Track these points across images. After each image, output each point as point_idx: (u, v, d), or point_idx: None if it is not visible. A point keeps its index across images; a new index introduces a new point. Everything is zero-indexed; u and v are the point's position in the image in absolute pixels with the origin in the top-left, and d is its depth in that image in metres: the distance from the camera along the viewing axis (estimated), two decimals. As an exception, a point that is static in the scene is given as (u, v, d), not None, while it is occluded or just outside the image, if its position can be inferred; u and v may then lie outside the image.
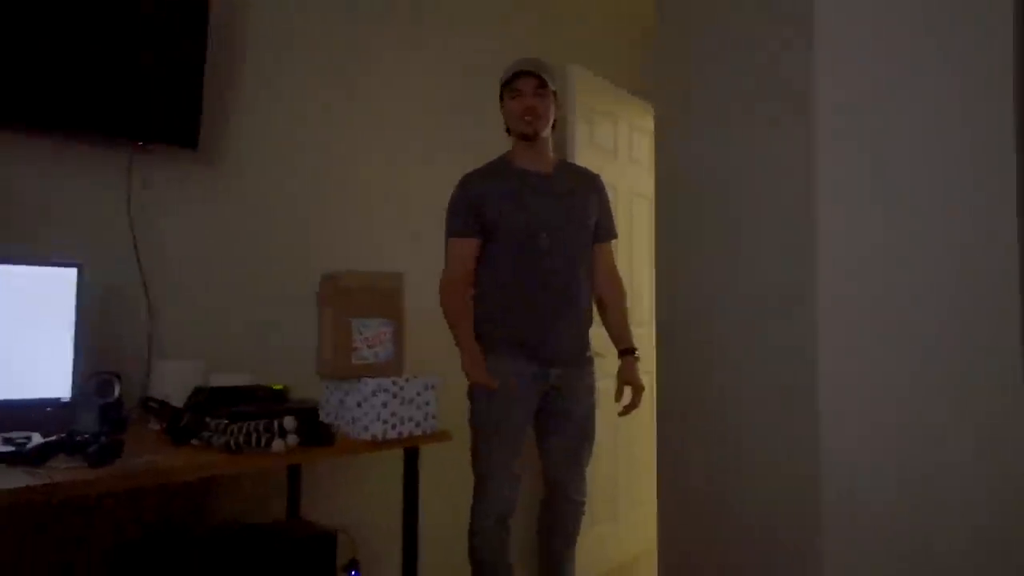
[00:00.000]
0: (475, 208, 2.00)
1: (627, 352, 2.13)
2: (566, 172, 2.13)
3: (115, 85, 1.82)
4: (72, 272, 1.67)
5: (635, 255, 3.36)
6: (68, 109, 1.76)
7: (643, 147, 3.48)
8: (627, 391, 2.15)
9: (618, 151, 3.33)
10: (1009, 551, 1.08)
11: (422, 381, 1.80)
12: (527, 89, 1.99)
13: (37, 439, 1.42)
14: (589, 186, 2.14)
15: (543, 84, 1.99)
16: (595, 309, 2.18)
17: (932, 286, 1.21)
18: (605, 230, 2.17)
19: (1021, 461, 1.07)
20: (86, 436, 1.42)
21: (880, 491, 1.28)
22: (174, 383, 1.80)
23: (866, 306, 1.36)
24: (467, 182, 2.05)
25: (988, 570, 1.12)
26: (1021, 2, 1.10)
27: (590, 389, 2.11)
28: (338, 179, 2.42)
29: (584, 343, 2.09)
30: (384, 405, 1.72)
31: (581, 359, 2.08)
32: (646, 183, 3.43)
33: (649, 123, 3.39)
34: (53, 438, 1.39)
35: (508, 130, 2.09)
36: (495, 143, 2.25)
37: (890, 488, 1.26)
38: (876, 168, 1.34)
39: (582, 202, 2.09)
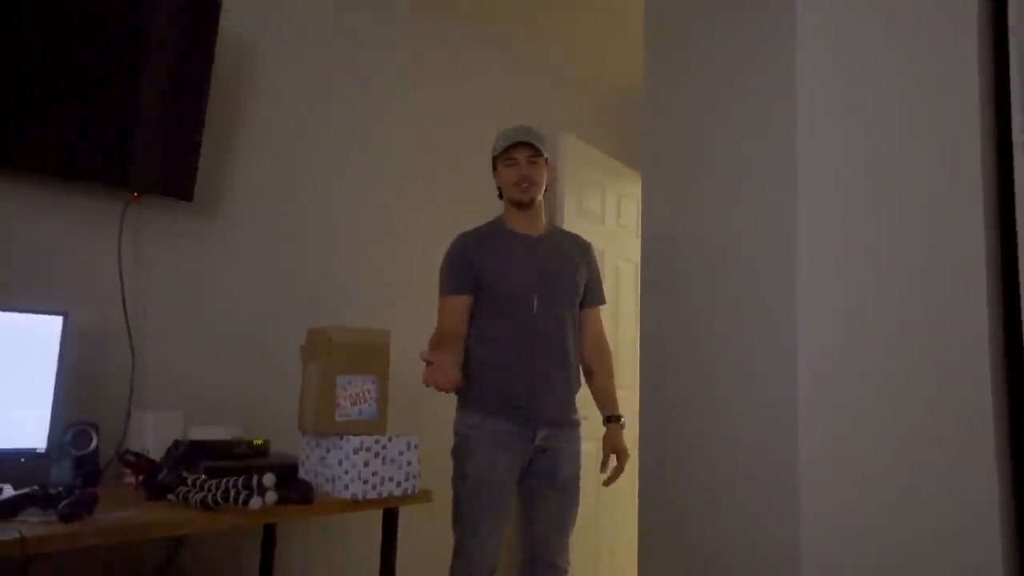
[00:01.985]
0: (468, 266, 2.02)
1: (613, 419, 2.14)
2: (558, 237, 2.18)
3: (114, 134, 1.85)
4: (57, 320, 1.67)
5: (621, 318, 3.38)
6: (64, 156, 1.78)
7: (631, 213, 3.55)
8: (612, 458, 2.14)
9: (606, 217, 3.40)
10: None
11: (405, 440, 1.78)
12: (521, 158, 2.04)
13: (9, 491, 1.39)
14: (580, 252, 2.18)
15: (536, 152, 2.05)
16: (582, 373, 2.18)
17: (915, 353, 1.24)
18: (594, 296, 2.20)
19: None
20: (59, 489, 1.39)
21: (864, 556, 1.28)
22: (153, 435, 1.78)
23: (844, 370, 1.38)
24: (461, 241, 2.09)
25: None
26: (988, 23, 1.18)
27: (576, 453, 2.09)
28: (329, 236, 2.45)
29: (571, 405, 2.09)
30: (366, 464, 1.70)
31: (568, 421, 2.08)
32: (632, 248, 3.48)
33: (637, 190, 3.47)
34: (25, 491, 1.36)
35: (500, 194, 2.14)
36: (487, 204, 2.30)
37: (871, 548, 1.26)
38: (857, 231, 1.39)
39: (572, 266, 2.12)
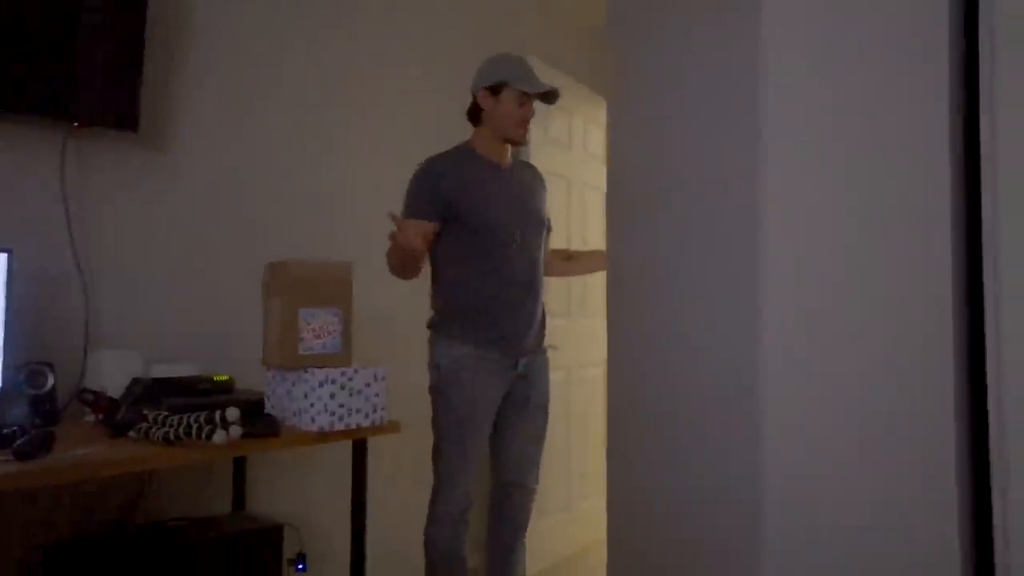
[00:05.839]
0: (436, 193, 1.98)
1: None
2: (522, 167, 2.22)
3: (48, 63, 1.74)
4: (1, 258, 1.60)
5: (590, 246, 3.37)
6: (-3, 87, 1.67)
7: (598, 140, 3.50)
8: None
9: (572, 144, 3.34)
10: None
11: (371, 371, 1.78)
12: (529, 101, 2.05)
13: (-39, 432, 1.36)
14: (540, 183, 2.23)
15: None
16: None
17: (873, 292, 1.26)
18: (550, 224, 2.26)
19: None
20: (14, 429, 1.36)
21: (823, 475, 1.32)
22: (112, 374, 1.74)
23: (808, 305, 1.40)
24: (428, 167, 2.03)
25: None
26: (957, 25, 1.15)
27: (547, 379, 2.18)
28: (285, 165, 2.36)
29: (543, 332, 2.16)
30: (332, 396, 1.69)
31: (542, 348, 2.16)
32: (599, 176, 3.44)
33: (604, 117, 3.41)
34: (-22, 431, 1.33)
35: (471, 118, 2.08)
36: (453, 128, 2.23)
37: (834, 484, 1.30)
38: (820, 168, 1.39)
39: (540, 199, 2.18)
